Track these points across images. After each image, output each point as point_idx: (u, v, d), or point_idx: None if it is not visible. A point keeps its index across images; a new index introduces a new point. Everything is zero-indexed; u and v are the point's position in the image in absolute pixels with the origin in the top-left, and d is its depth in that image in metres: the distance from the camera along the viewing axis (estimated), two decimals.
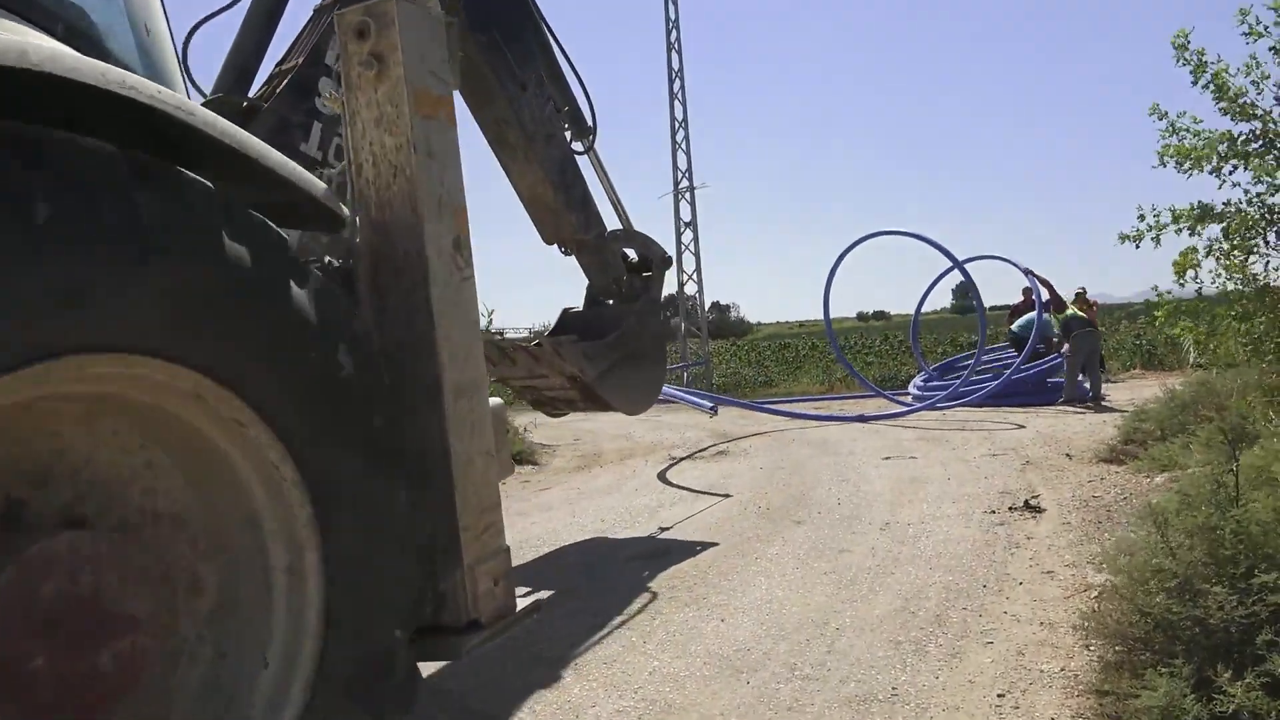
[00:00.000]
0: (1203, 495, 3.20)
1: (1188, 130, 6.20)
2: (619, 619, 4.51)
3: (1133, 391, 13.59)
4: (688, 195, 21.98)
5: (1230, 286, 6.29)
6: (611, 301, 6.13)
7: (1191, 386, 8.02)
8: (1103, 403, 12.55)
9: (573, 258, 6.01)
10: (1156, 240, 6.38)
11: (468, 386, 2.34)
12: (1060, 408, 12.51)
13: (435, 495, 2.24)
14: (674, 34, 21.79)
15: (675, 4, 21.65)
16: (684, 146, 21.99)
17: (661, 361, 6.30)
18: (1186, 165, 6.13)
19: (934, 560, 5.17)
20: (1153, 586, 2.88)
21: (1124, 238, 6.58)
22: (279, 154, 1.99)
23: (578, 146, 5.80)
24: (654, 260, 6.16)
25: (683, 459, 10.34)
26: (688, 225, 21.97)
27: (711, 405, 12.94)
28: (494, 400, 2.67)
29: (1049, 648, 3.66)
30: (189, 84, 3.18)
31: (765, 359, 32.66)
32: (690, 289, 22.45)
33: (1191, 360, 10.25)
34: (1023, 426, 10.74)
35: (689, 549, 5.90)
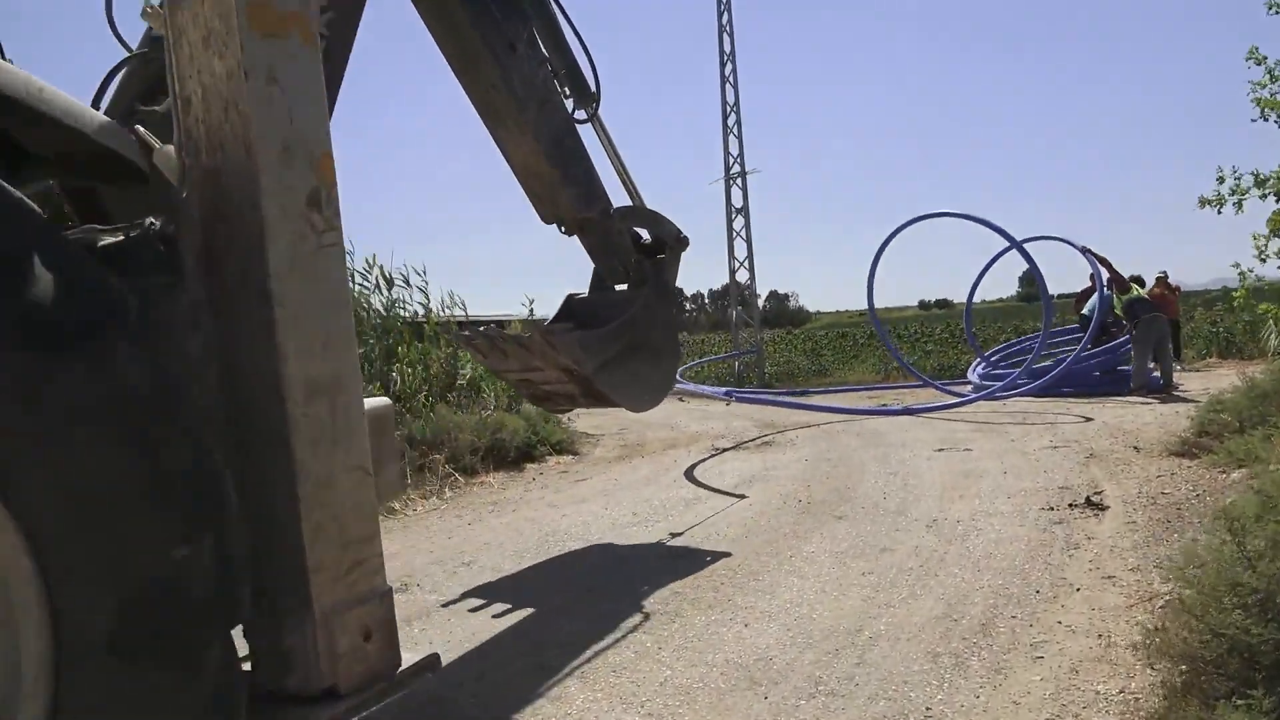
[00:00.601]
0: None
1: None
2: (635, 622, 4.22)
3: (1208, 380, 12.84)
4: (739, 181, 21.56)
5: None
6: (620, 287, 5.58)
7: (1273, 375, 7.41)
8: (1175, 392, 11.84)
9: (578, 239, 5.47)
10: (1239, 206, 5.85)
11: (325, 384, 1.88)
12: (1129, 398, 11.85)
13: (270, 527, 1.80)
14: (725, 16, 21.34)
15: None
16: (735, 131, 21.57)
17: (673, 353, 5.68)
18: None
19: (983, 562, 4.77)
20: (1228, 603, 2.48)
21: (1204, 202, 6.06)
22: (62, 95, 1.63)
23: (580, 115, 5.30)
24: (667, 240, 5.56)
25: (726, 450, 10.01)
26: (739, 212, 21.56)
27: (726, 393, 12.50)
28: (378, 401, 2.25)
29: (1106, 665, 3.26)
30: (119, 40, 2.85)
31: (821, 348, 32.07)
32: (742, 277, 22.04)
33: (1274, 346, 9.57)
34: (1089, 418, 10.15)
35: (720, 545, 5.58)
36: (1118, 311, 12.86)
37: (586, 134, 5.35)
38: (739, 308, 22.68)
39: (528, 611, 4.59)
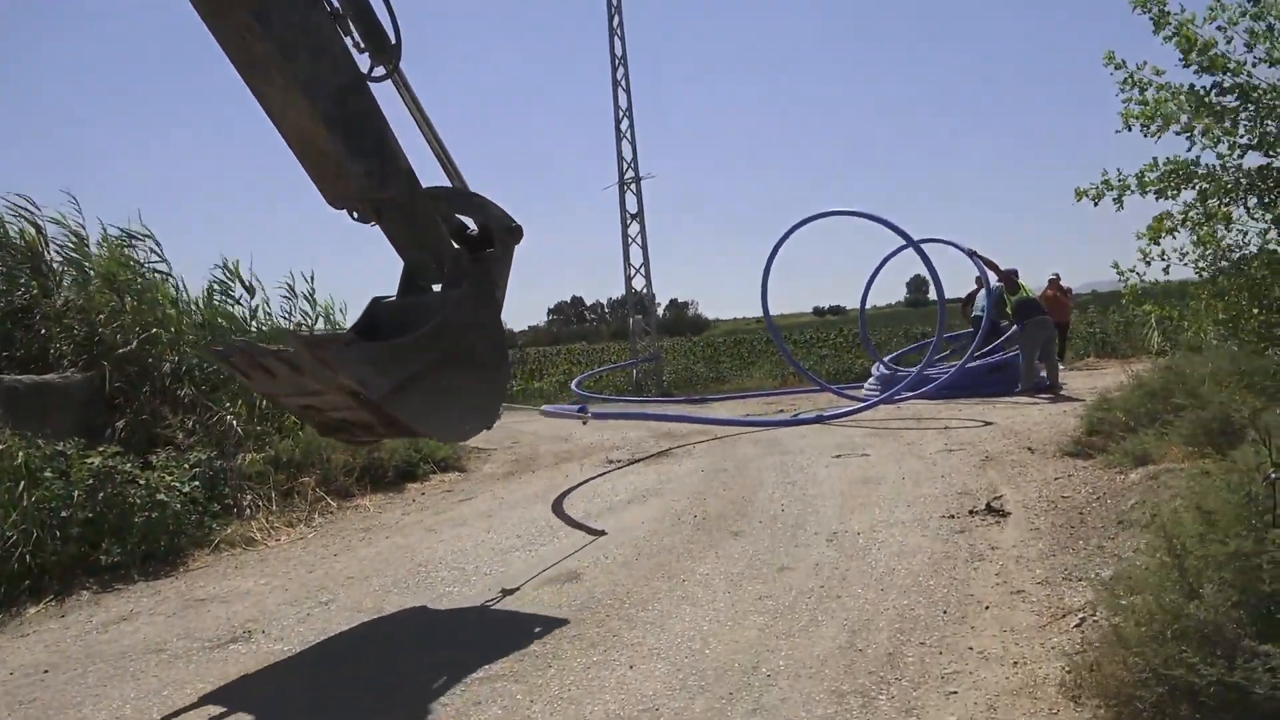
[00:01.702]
0: (1230, 512, 2.50)
1: (1149, 84, 5.56)
2: (506, 666, 3.71)
3: (1091, 379, 13.12)
4: (634, 186, 21.22)
5: (1202, 261, 5.67)
6: (438, 287, 4.57)
7: (1160, 372, 7.43)
8: (1061, 392, 12.01)
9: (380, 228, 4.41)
10: (1119, 202, 5.75)
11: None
12: (1017, 398, 11.97)
13: None
14: (616, 19, 21.01)
15: None
16: (629, 136, 21.22)
17: (498, 367, 4.56)
18: (1153, 128, 5.49)
19: (886, 579, 4.45)
20: (1169, 634, 2.17)
21: (1080, 193, 5.95)
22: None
23: (378, 72, 4.30)
24: (495, 231, 4.54)
25: (620, 462, 9.57)
26: (634, 217, 21.20)
27: (580, 409, 11.46)
28: None
29: (1026, 699, 2.94)
30: None
31: (720, 355, 32.14)
32: (639, 283, 21.69)
33: (1156, 345, 9.75)
34: (982, 420, 10.13)
35: (608, 570, 5.12)
36: (1008, 311, 13.02)
37: (389, 100, 4.33)
38: (637, 315, 22.33)
39: (379, 658, 4.03)
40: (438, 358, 4.06)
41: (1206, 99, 5.44)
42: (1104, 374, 13.37)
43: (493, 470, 9.96)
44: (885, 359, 15.73)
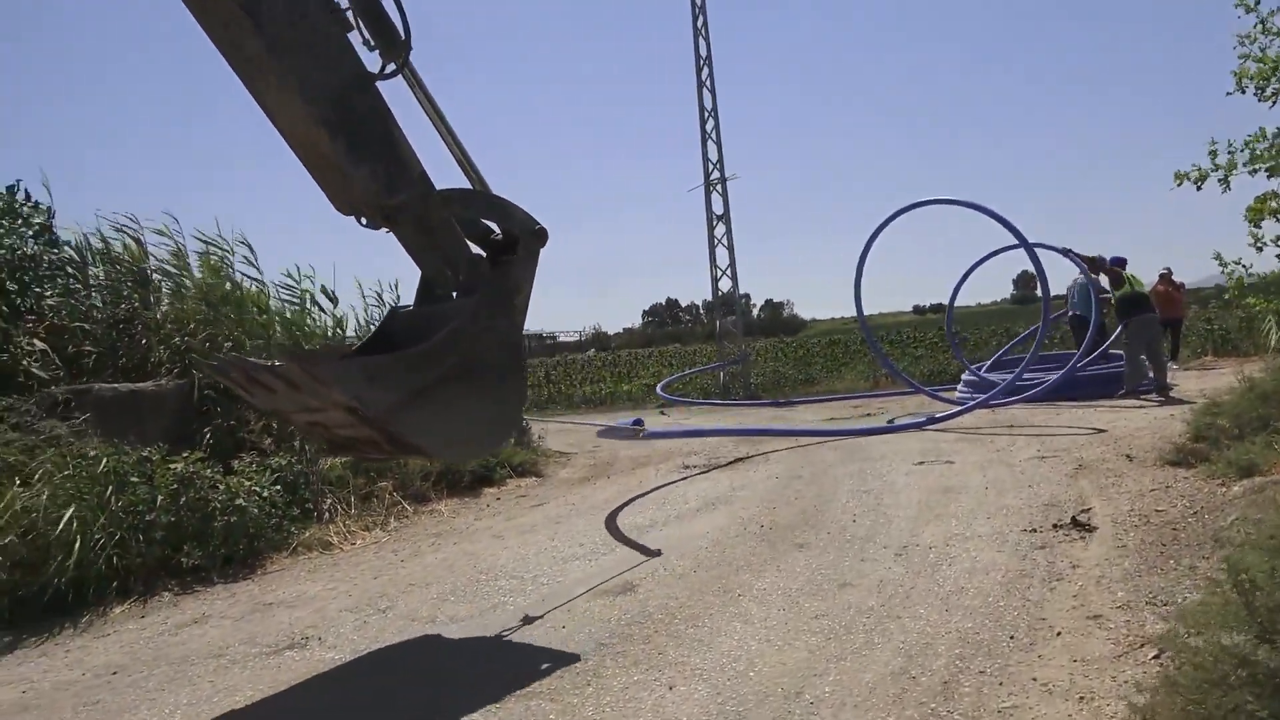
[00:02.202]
0: None
1: (1277, 33, 5.03)
2: (544, 683, 3.63)
3: (1204, 380, 12.27)
4: (719, 187, 21.02)
5: None
6: (456, 295, 4.26)
7: (1273, 373, 6.84)
8: (1170, 394, 11.26)
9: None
10: (1225, 182, 5.26)
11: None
12: (1121, 401, 11.27)
13: None
14: (700, 19, 20.86)
15: None
16: (714, 137, 21.03)
17: (514, 379, 4.15)
18: (1269, 90, 5.00)
19: (953, 598, 4.19)
20: (1234, 680, 1.91)
21: (1180, 177, 5.48)
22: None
23: (389, 69, 4.01)
24: (518, 235, 4.26)
25: (696, 468, 9.42)
26: (720, 218, 21.00)
27: (634, 423, 9.75)
28: None
29: None
30: None
31: (812, 356, 31.59)
32: (725, 285, 21.47)
33: (1274, 342, 8.98)
34: (1079, 424, 9.58)
35: (664, 582, 4.99)
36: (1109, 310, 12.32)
37: (398, 97, 4.03)
38: (725, 317, 22.10)
39: (420, 671, 4.01)
40: (447, 371, 3.78)
41: None
42: (1220, 374, 12.49)
43: (569, 475, 9.95)
44: (975, 365, 14.99)
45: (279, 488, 7.43)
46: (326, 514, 7.69)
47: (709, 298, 21.24)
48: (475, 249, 4.34)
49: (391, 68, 3.98)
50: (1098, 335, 12.59)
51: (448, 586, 5.42)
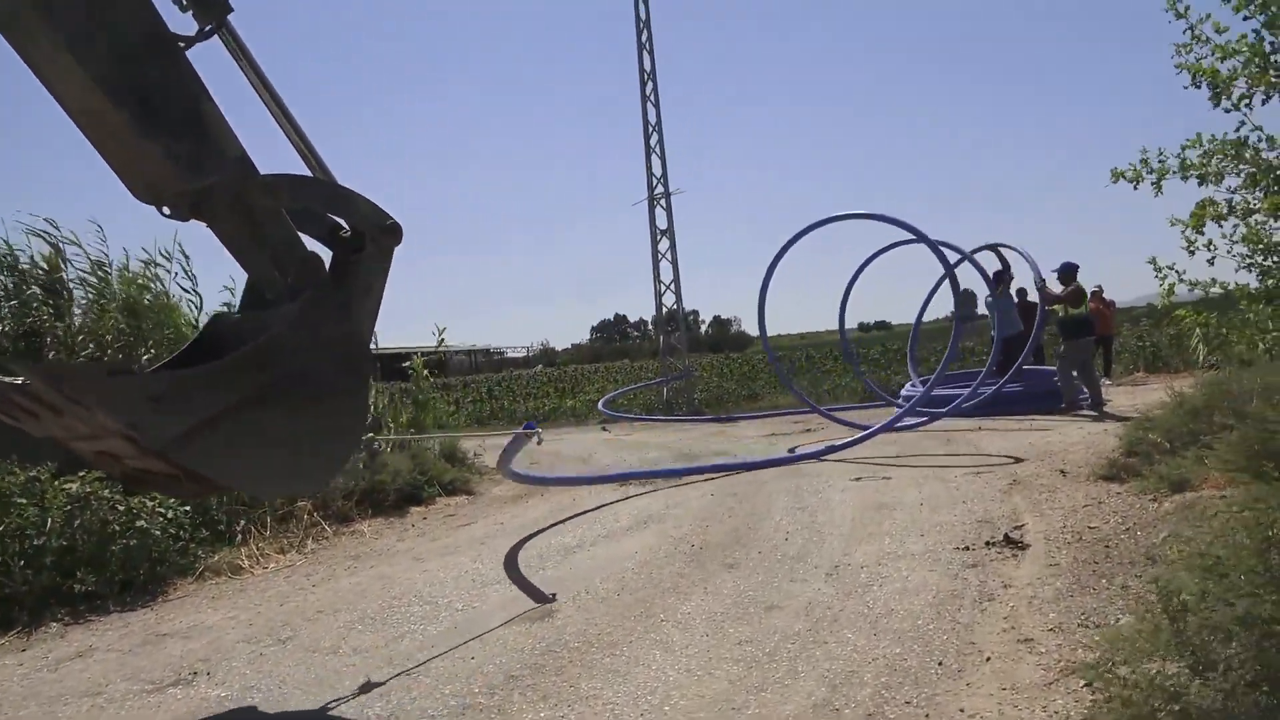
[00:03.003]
0: (1241, 564, 2.05)
1: (1208, 41, 4.99)
2: None
3: (1135, 396, 12.43)
4: (663, 202, 20.91)
5: (1250, 260, 5.11)
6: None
7: (1203, 389, 6.85)
8: (1104, 409, 11.36)
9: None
10: (1158, 186, 5.22)
11: None
12: (1057, 417, 11.34)
13: None
14: (645, 34, 20.79)
15: (645, 3, 20.67)
16: (658, 151, 20.92)
17: (350, 399, 3.37)
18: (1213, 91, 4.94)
19: (882, 621, 4.01)
20: (1164, 717, 1.73)
21: (1117, 174, 5.42)
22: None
23: (200, 31, 3.29)
24: (365, 231, 3.57)
25: (633, 485, 9.19)
26: (664, 233, 20.87)
27: (529, 425, 7.73)
28: None
29: None
30: None
31: (757, 372, 31.63)
32: (670, 300, 21.32)
33: (1201, 358, 9.06)
34: (1015, 439, 9.58)
35: (585, 607, 4.74)
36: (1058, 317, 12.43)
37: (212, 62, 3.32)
38: (670, 329, 21.94)
39: (301, 713, 3.70)
40: (257, 390, 3.03)
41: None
42: (1151, 390, 12.66)
43: (502, 493, 9.63)
44: (921, 380, 15.04)
45: (187, 508, 7.01)
46: (239, 535, 7.28)
47: (662, 311, 21.01)
48: (323, 248, 3.71)
49: (210, 29, 3.29)
50: (1011, 352, 12.71)
51: (357, 614, 5.09)
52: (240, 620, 5.25)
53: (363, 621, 4.92)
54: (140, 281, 9.53)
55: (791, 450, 10.61)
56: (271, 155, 3.43)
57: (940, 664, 3.44)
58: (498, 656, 4.06)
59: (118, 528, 6.21)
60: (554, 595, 5.00)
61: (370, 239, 3.57)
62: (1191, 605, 1.96)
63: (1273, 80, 5.00)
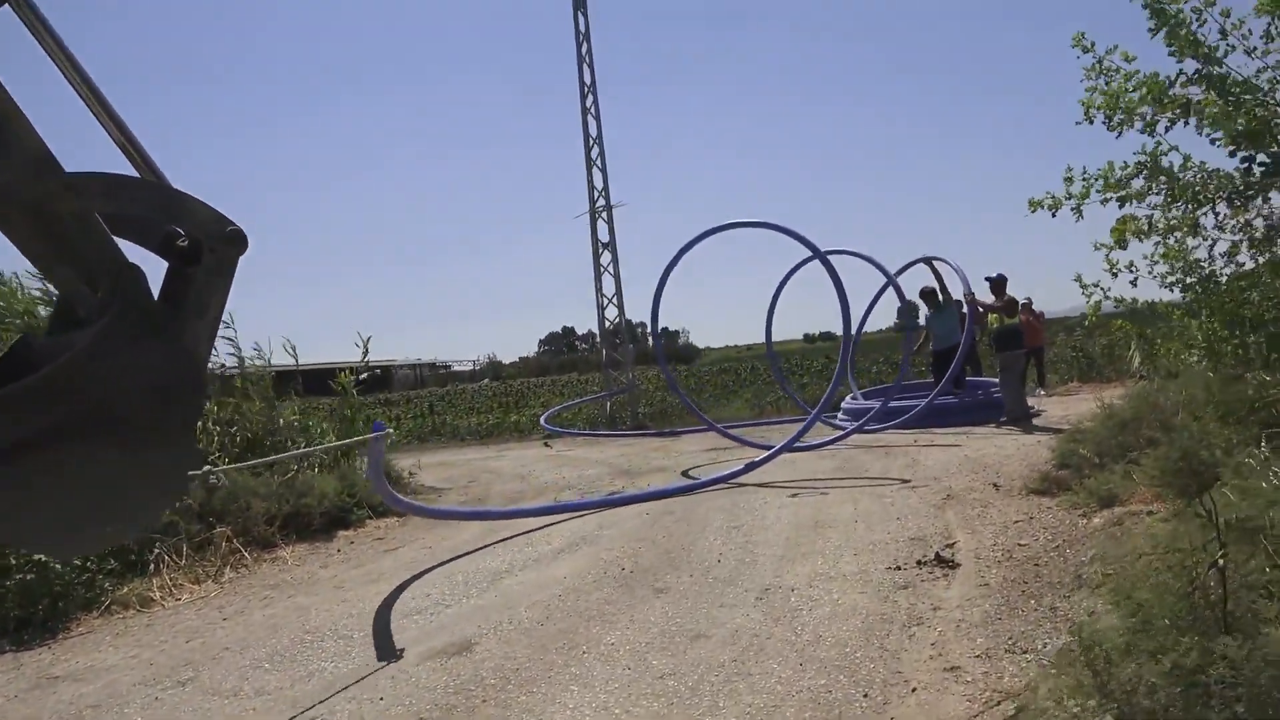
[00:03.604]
0: (1167, 607, 1.95)
1: (1116, 70, 5.04)
2: None
3: (1068, 407, 12.60)
4: (605, 215, 20.79)
5: (1171, 276, 5.14)
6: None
7: (1131, 400, 6.90)
8: (1034, 421, 11.48)
9: None
10: (1078, 211, 5.24)
11: None
12: (992, 428, 11.42)
13: None
14: (585, 47, 20.70)
15: (585, 16, 20.60)
16: (599, 164, 20.82)
17: (172, 436, 2.10)
18: (1115, 119, 4.97)
19: (809, 650, 3.88)
20: None
21: (1035, 204, 5.42)
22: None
23: None
24: (203, 240, 2.42)
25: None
26: (605, 246, 20.74)
27: (378, 426, 7.17)
28: None
29: None
30: None
31: (703, 384, 31.66)
32: (612, 314, 21.18)
33: (1136, 367, 9.18)
34: (951, 451, 9.60)
35: (507, 639, 4.54)
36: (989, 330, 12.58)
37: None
38: (614, 346, 21.79)
39: None
40: (37, 429, 2.09)
41: (1172, 87, 4.90)
42: (1084, 399, 12.86)
43: None
44: (861, 393, 15.14)
45: None
46: (152, 565, 6.92)
47: (604, 324, 20.84)
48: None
49: None
50: (943, 364, 12.86)
51: (265, 651, 4.82)
52: (141, 660, 4.94)
53: (271, 659, 4.65)
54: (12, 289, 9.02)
55: (686, 473, 10.51)
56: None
57: (865, 695, 3.33)
58: (408, 696, 3.84)
59: (14, 560, 5.86)
60: (402, 650, 4.58)
61: (208, 249, 2.89)
62: (1115, 659, 1.86)
63: (1172, 109, 5.04)
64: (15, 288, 8.82)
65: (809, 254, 11.76)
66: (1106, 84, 5.02)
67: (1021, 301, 15.83)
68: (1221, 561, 2.00)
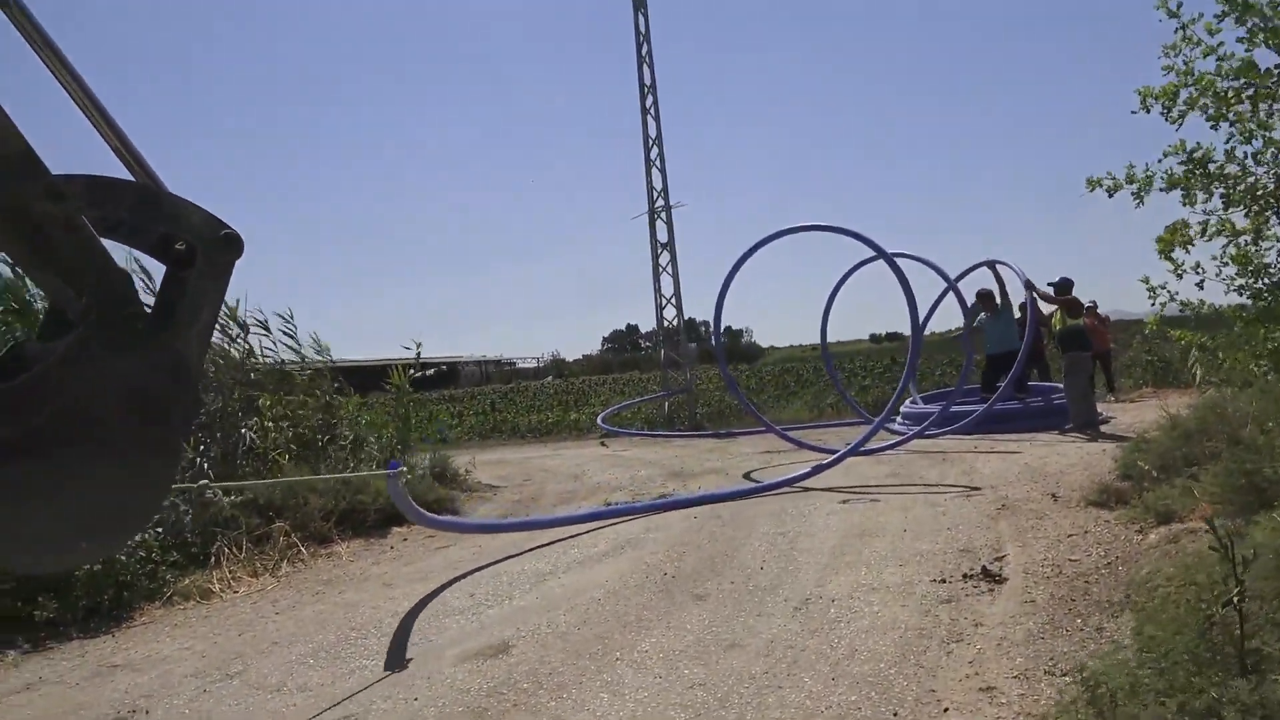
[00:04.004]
0: (1181, 644, 1.85)
1: (1198, 42, 4.79)
2: None
3: (1138, 413, 12.17)
4: (664, 215, 20.78)
5: (1239, 280, 4.91)
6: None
7: (1198, 411, 6.63)
8: (1101, 429, 11.11)
9: None
10: (1139, 196, 5.03)
11: None
12: (1057, 435, 11.09)
13: None
14: (645, 47, 20.72)
15: (645, 16, 20.61)
16: (658, 164, 20.82)
17: (152, 451, 2.05)
18: (1174, 112, 4.75)
19: (843, 665, 3.82)
20: None
21: (1094, 183, 5.23)
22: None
23: None
24: (196, 244, 2.33)
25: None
26: (664, 247, 20.74)
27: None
28: None
29: None
30: None
31: (764, 384, 31.42)
32: (669, 314, 21.16)
33: (1198, 377, 8.81)
34: (1013, 458, 9.35)
35: (543, 642, 4.57)
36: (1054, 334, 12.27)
37: None
38: (674, 346, 21.77)
39: None
40: (11, 440, 2.45)
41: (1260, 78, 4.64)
42: (1156, 406, 12.41)
43: (488, 513, 9.50)
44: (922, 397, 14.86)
45: (159, 530, 6.91)
46: (213, 558, 7.16)
47: (668, 323, 20.83)
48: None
49: None
50: (999, 369, 12.52)
51: (311, 646, 4.94)
52: (194, 651, 5.11)
53: (316, 655, 4.77)
54: None
55: (749, 475, 10.41)
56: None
57: (895, 715, 3.26)
58: (441, 698, 3.90)
59: None
60: (409, 660, 4.57)
61: (201, 254, 2.83)
62: (1121, 698, 1.78)
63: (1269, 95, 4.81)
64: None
65: (870, 255, 11.65)
66: (1185, 64, 4.79)
67: (1086, 305, 15.35)
68: (1238, 599, 1.89)
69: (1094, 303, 15.38)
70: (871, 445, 11.03)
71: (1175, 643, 1.88)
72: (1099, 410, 12.21)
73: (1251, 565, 2.06)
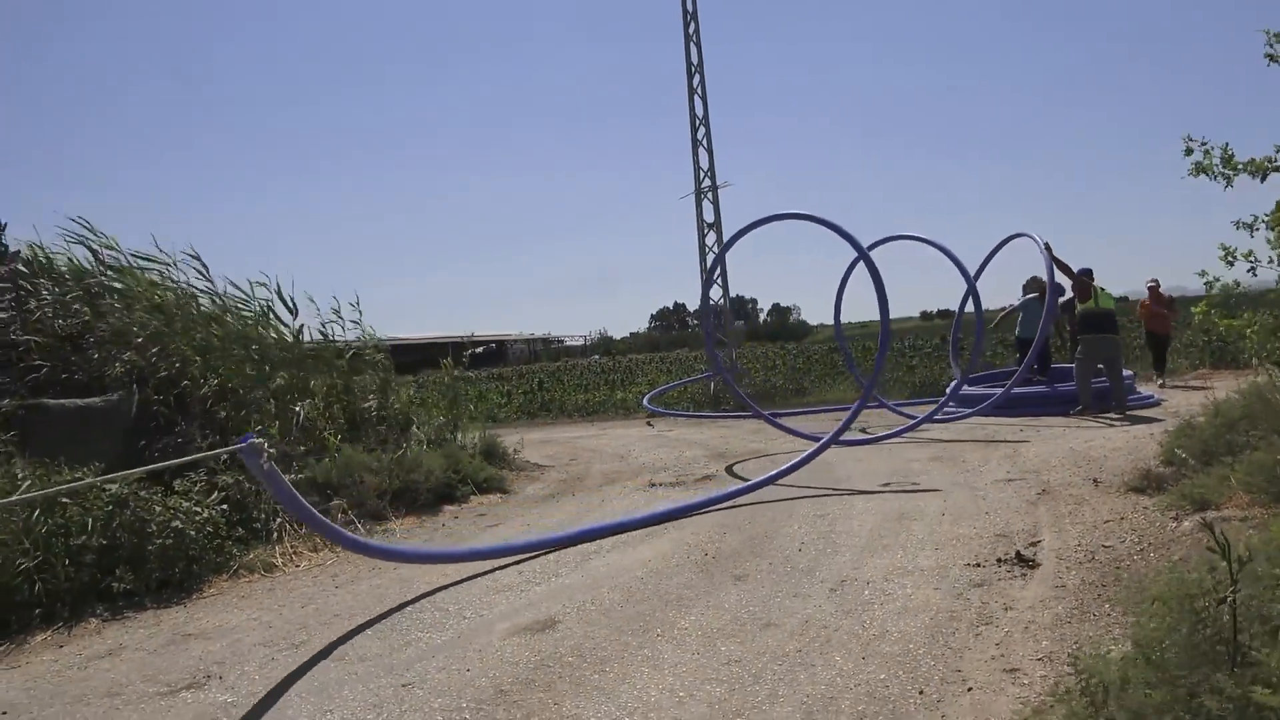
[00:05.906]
0: (1171, 640, 1.96)
1: None
2: None
3: (1193, 396, 12.01)
4: (710, 195, 20.82)
5: None
6: None
7: (1244, 396, 6.59)
8: (1148, 411, 11.03)
9: None
10: (1228, 179, 5.05)
11: None
12: (1101, 418, 11.04)
13: None
14: (692, 26, 20.69)
15: None
16: (705, 144, 20.85)
17: None
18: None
19: (873, 644, 3.98)
20: None
21: (1190, 145, 5.23)
22: None
23: None
24: None
25: (662, 485, 9.24)
26: (710, 227, 20.80)
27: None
28: None
29: None
30: None
31: (811, 364, 31.26)
32: (715, 293, 21.24)
33: (1255, 360, 8.66)
34: (1059, 441, 9.35)
35: (588, 619, 4.79)
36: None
37: None
38: (730, 323, 21.87)
39: None
40: None
41: None
42: (1211, 389, 12.23)
43: (536, 492, 9.76)
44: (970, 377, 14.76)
45: (225, 506, 7.27)
46: (275, 533, 7.52)
47: (715, 302, 20.92)
48: None
49: None
50: (1034, 352, 12.42)
51: (369, 618, 5.23)
52: (262, 622, 5.44)
53: (374, 627, 5.05)
54: (152, 279, 9.76)
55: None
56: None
57: (921, 693, 3.41)
58: (493, 669, 4.14)
59: (155, 527, 6.46)
60: (489, 625, 4.69)
61: None
62: (1113, 692, 1.90)
63: None
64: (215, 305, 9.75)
65: (901, 233, 11.90)
66: None
67: (1148, 284, 15.11)
68: (1233, 598, 1.99)
69: (1155, 281, 15.11)
70: (898, 426, 11.17)
71: (1170, 638, 1.98)
72: (1149, 393, 12.17)
73: (1246, 565, 2.16)
